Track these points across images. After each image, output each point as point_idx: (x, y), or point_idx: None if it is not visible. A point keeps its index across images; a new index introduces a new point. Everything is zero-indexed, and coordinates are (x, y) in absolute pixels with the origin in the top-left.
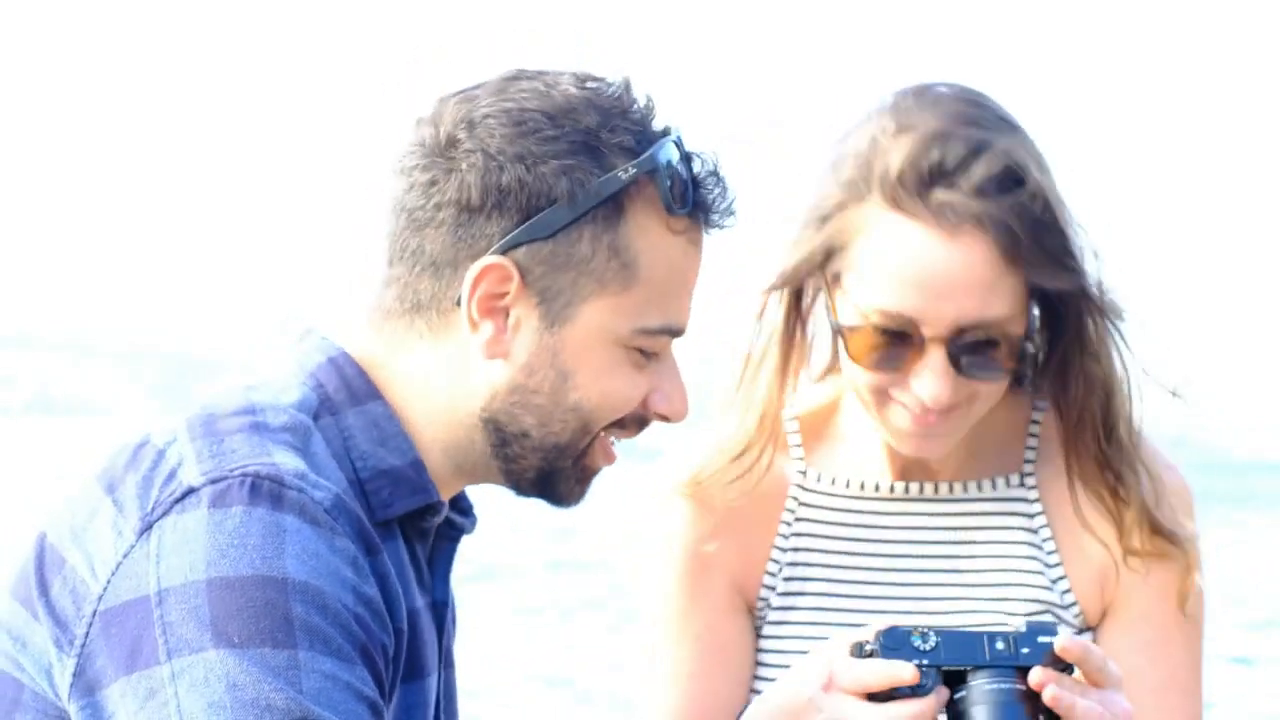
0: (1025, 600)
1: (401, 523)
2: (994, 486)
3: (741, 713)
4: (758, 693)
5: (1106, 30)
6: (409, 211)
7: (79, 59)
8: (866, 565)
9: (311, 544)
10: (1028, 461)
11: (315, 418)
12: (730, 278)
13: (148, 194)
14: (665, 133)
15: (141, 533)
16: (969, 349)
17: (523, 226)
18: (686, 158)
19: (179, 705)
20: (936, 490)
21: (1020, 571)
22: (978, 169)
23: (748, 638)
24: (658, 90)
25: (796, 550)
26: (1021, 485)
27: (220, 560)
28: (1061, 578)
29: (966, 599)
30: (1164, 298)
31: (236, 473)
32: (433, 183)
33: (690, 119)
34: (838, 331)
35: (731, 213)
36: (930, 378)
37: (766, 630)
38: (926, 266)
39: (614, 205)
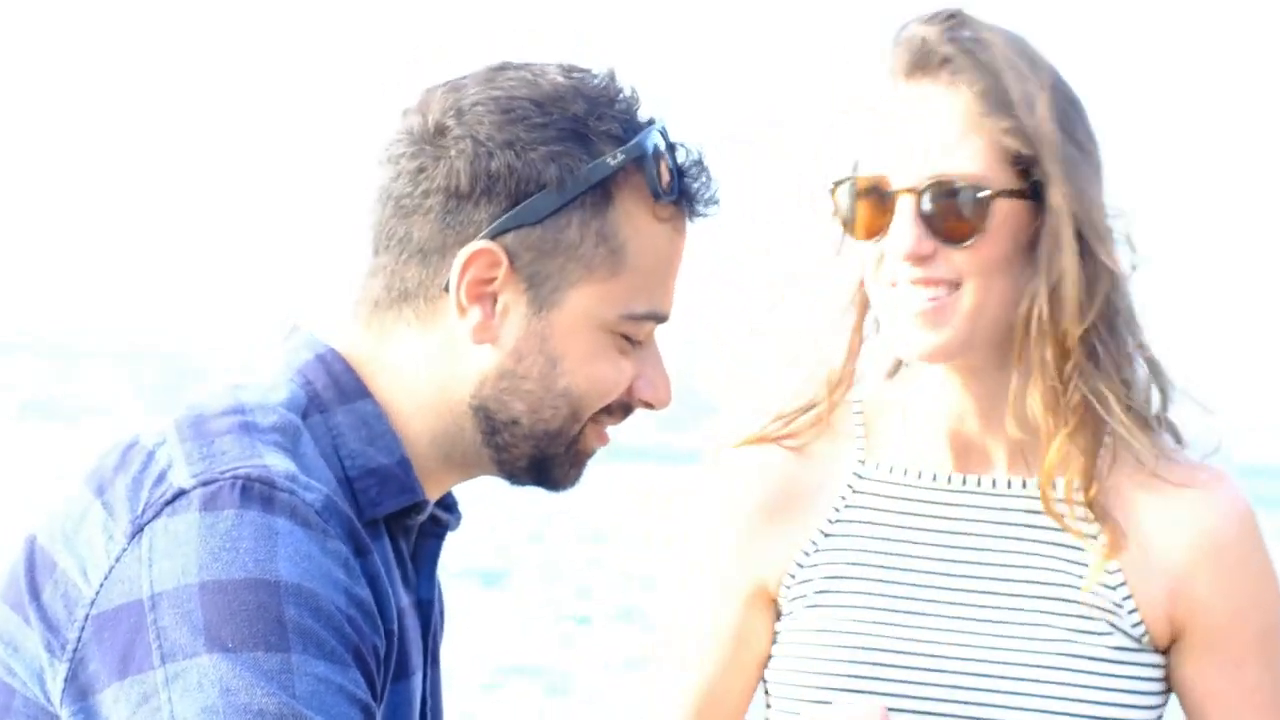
0: (1079, 603)
1: (387, 520)
2: (1054, 488)
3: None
4: (771, 679)
5: (1106, 35)
6: (396, 199)
7: (76, 62)
8: (918, 554)
9: (304, 546)
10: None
11: (304, 416)
12: (729, 277)
13: (146, 196)
14: (651, 122)
15: (132, 536)
16: (934, 201)
17: (511, 212)
18: (672, 146)
19: (172, 710)
20: (994, 485)
21: (1076, 576)
22: (939, 25)
23: (766, 629)
24: (657, 90)
25: (845, 536)
26: (1080, 488)
27: (213, 563)
28: (1121, 583)
29: (1017, 595)
30: (1163, 299)
31: (227, 475)
32: (421, 170)
33: (690, 119)
34: (847, 224)
35: (715, 201)
36: (897, 228)
37: (802, 613)
38: (894, 118)
39: (602, 192)
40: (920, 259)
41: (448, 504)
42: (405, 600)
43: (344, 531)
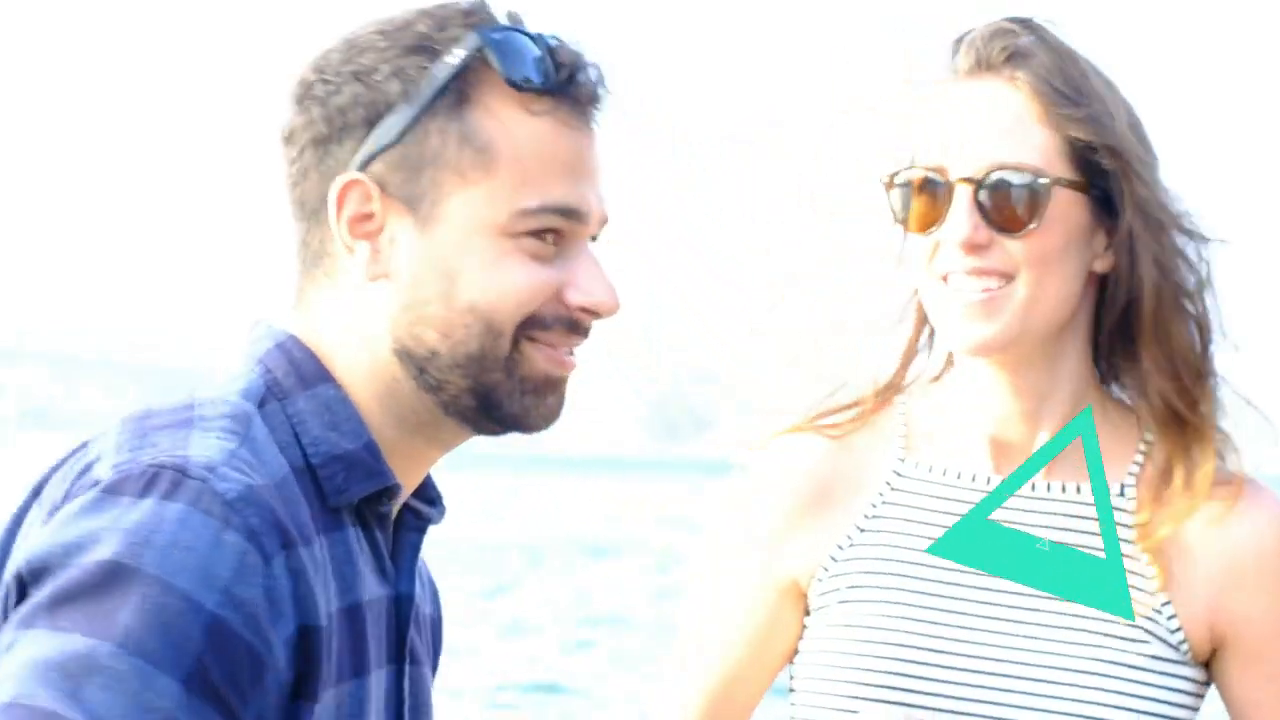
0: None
1: (360, 509)
2: (1079, 491)
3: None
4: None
5: (1109, 40)
6: (288, 172)
7: (73, 67)
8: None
9: (187, 537)
10: (1130, 474)
11: (261, 404)
12: (729, 277)
13: (146, 206)
14: (495, 20)
15: (45, 523)
16: (992, 189)
17: (369, 139)
18: (533, 37)
19: None
20: (1033, 489)
21: None
22: (1003, 28)
23: (794, 624)
24: (659, 90)
25: (881, 533)
26: (1121, 496)
27: (88, 544)
28: (1159, 590)
29: (1052, 598)
30: None
31: (143, 464)
32: (293, 132)
33: (690, 119)
34: (901, 216)
35: (598, 86)
36: (953, 217)
37: (835, 609)
38: (953, 111)
39: (456, 95)
40: (975, 248)
41: (431, 498)
42: (371, 594)
43: (264, 523)
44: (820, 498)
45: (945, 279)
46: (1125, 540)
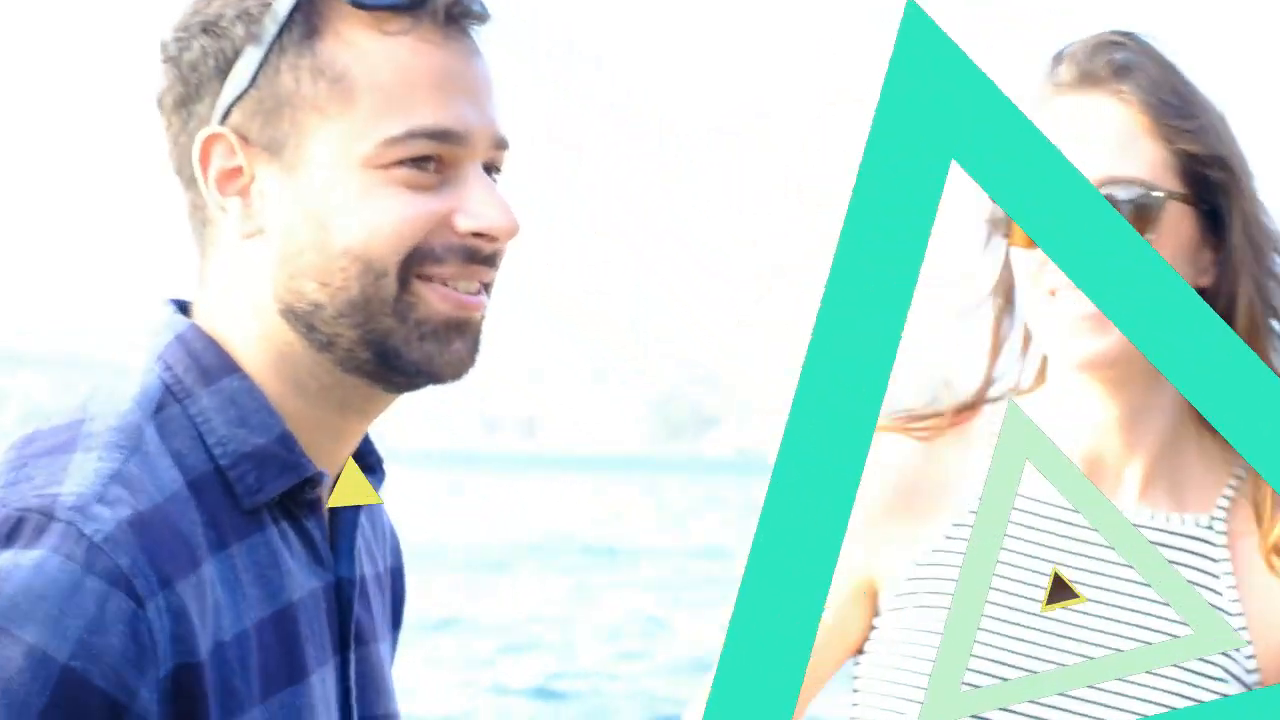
0: None
1: (283, 502)
2: (1181, 522)
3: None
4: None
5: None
6: (165, 139)
7: (71, 66)
8: (1040, 569)
9: (40, 585)
10: (1220, 507)
11: (158, 409)
12: (715, 269)
13: (142, 211)
14: None
15: None
16: None
17: (225, 89)
18: None
19: None
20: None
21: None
22: (1106, 42)
23: (863, 623)
24: (645, 83)
25: (965, 540)
26: (1210, 529)
27: None
28: (1242, 629)
29: (1135, 625)
30: None
31: (10, 507)
32: (160, 98)
33: (677, 110)
34: (1006, 230)
35: (466, 2)
36: None
37: (912, 612)
38: (1060, 126)
39: (303, 27)
40: None
41: (370, 465)
42: (302, 591)
43: (138, 562)
44: (906, 500)
45: (1053, 293)
46: (1209, 574)
